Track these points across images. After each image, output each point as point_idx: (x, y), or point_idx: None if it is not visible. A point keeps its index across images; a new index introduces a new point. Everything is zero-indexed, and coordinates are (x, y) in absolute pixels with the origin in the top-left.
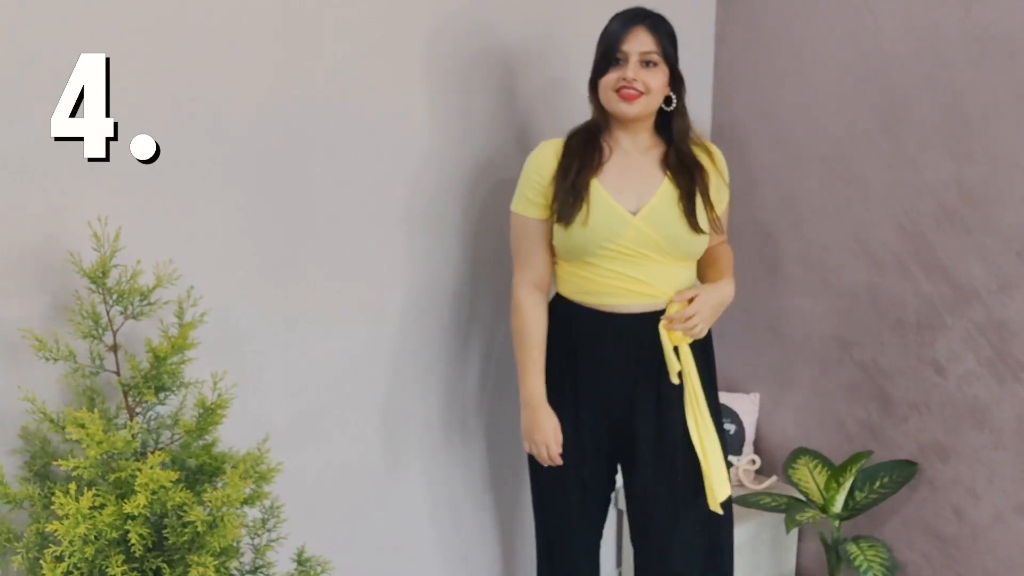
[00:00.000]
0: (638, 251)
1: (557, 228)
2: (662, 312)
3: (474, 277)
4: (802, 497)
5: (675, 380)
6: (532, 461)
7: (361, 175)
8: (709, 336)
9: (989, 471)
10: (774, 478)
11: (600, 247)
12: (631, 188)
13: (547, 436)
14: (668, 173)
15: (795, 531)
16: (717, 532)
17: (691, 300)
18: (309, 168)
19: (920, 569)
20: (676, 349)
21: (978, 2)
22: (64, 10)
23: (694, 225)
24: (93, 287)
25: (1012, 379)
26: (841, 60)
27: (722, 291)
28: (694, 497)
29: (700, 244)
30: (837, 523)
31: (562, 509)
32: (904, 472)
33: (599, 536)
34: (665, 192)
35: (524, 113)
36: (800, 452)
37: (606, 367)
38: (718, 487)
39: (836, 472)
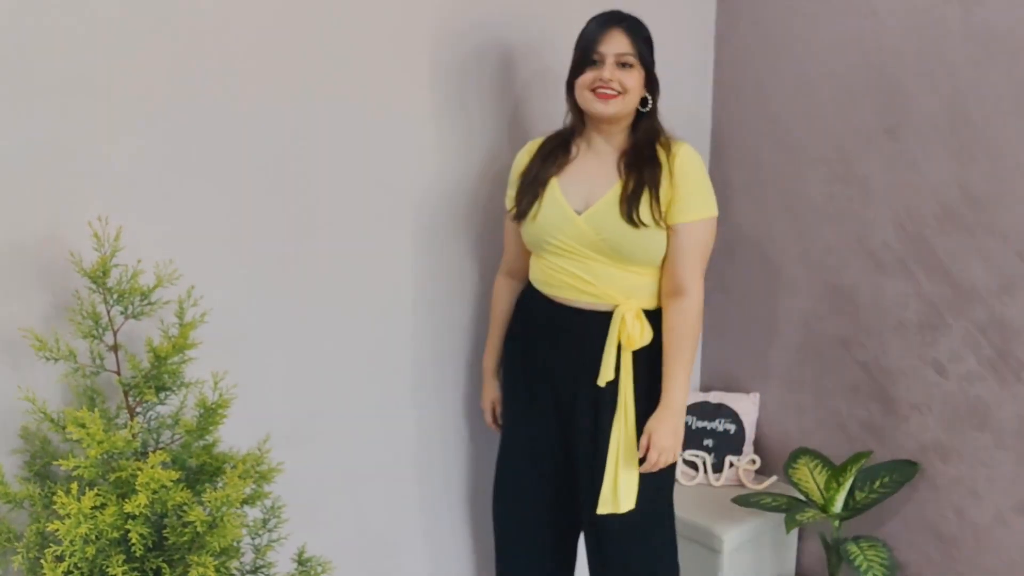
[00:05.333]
0: (579, 249)
1: (520, 222)
2: (607, 314)
3: (476, 276)
4: (802, 497)
5: (601, 383)
6: (498, 463)
7: (363, 175)
8: (657, 345)
9: (990, 471)
10: (774, 478)
11: (546, 242)
12: (585, 189)
13: (484, 403)
14: (622, 175)
15: (795, 531)
16: (646, 543)
17: (647, 447)
18: (310, 167)
19: (920, 569)
20: (619, 353)
21: (979, 2)
22: (64, 10)
23: (630, 219)
24: (93, 287)
25: (1013, 379)
26: (842, 60)
27: (668, 420)
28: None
29: (646, 247)
30: (837, 523)
31: (507, 512)
32: (904, 472)
33: (559, 540)
34: (613, 195)
35: (527, 111)
36: (800, 452)
37: (551, 359)
38: (614, 499)
39: (836, 472)
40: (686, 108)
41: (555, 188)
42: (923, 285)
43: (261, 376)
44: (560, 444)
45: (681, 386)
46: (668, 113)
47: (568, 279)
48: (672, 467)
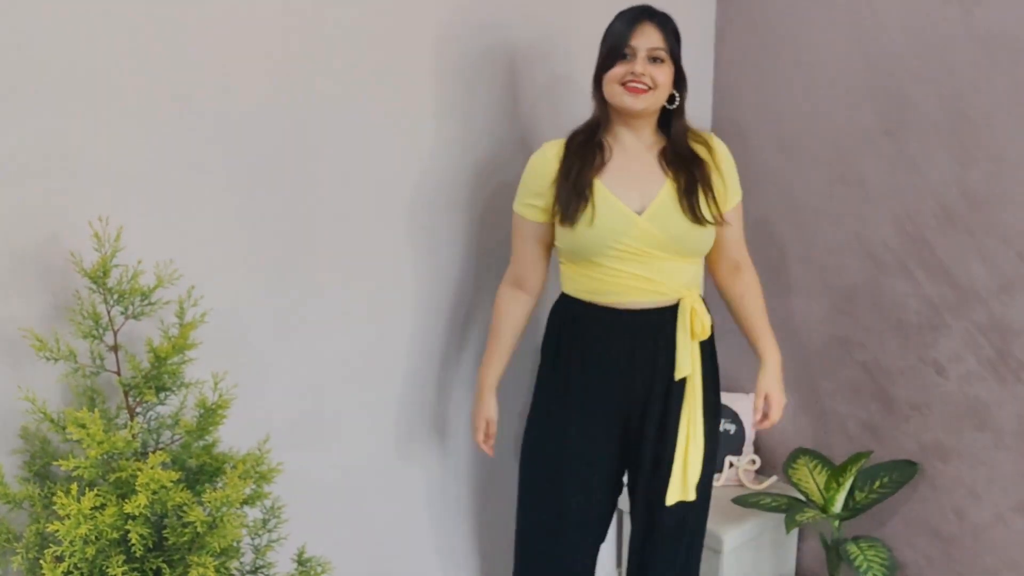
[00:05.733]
0: (645, 250)
1: (561, 229)
2: (672, 307)
3: (477, 278)
4: (802, 497)
5: (679, 376)
6: (525, 466)
7: (363, 175)
8: (712, 337)
9: (990, 471)
10: (774, 478)
11: (607, 247)
12: (634, 188)
13: (478, 421)
14: (669, 171)
15: (795, 531)
16: (692, 538)
17: (765, 409)
18: (311, 168)
19: (920, 569)
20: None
21: (980, 2)
22: (65, 10)
23: (697, 218)
24: (94, 287)
25: (1013, 379)
26: (842, 60)
27: (779, 375)
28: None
29: (706, 239)
30: (837, 523)
31: (556, 516)
32: (904, 472)
33: (596, 545)
34: (668, 191)
35: (528, 112)
36: (800, 452)
37: (621, 365)
38: (684, 488)
39: (836, 472)
40: (686, 108)
41: (603, 190)
42: (923, 285)
43: (261, 376)
44: (618, 450)
45: (775, 343)
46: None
47: (633, 282)
48: (716, 433)
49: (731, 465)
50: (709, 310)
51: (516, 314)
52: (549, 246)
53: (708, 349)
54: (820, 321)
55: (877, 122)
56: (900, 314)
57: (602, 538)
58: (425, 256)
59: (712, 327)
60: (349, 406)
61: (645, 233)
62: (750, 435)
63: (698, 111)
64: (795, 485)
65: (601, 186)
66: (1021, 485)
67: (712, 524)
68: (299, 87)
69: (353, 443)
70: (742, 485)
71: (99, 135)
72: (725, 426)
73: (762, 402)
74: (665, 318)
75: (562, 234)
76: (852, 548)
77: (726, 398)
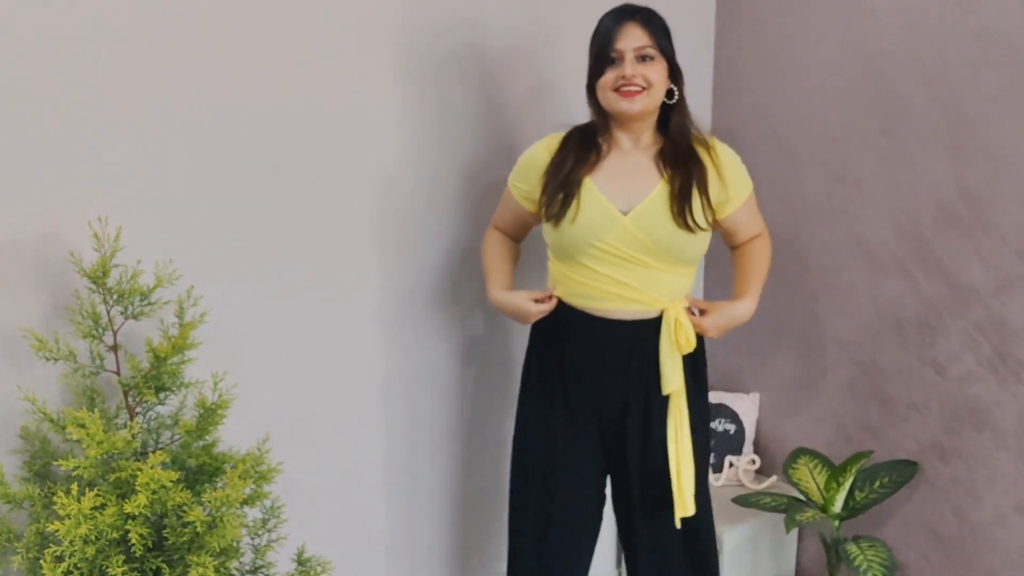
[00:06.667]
0: (627, 253)
1: (546, 225)
2: (654, 320)
3: (471, 279)
4: (802, 497)
5: (667, 392)
6: (514, 465)
7: (362, 175)
8: (701, 344)
9: (989, 471)
10: (774, 478)
11: (589, 245)
12: (625, 188)
13: (526, 307)
14: (665, 173)
15: (795, 531)
16: (703, 539)
17: (703, 312)
18: (309, 168)
19: (920, 569)
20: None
21: (977, 2)
22: (64, 10)
23: (685, 224)
24: (93, 287)
25: (1012, 379)
26: (840, 60)
27: (736, 312)
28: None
29: (694, 247)
30: (837, 523)
31: (547, 515)
32: (904, 472)
33: (590, 548)
34: (659, 193)
35: (511, 116)
36: (800, 452)
37: (597, 373)
38: (684, 504)
39: (836, 472)
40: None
41: (592, 187)
42: (921, 285)
43: (261, 376)
44: (602, 457)
45: (751, 298)
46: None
47: (612, 287)
48: (706, 449)
49: (731, 465)
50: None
51: (504, 243)
52: (527, 226)
53: (692, 360)
54: (819, 321)
55: (875, 122)
56: (899, 314)
57: (593, 538)
58: (427, 256)
59: (700, 341)
60: (349, 405)
61: (627, 233)
62: (750, 435)
63: (697, 111)
64: (795, 485)
65: (591, 184)
66: (1021, 485)
67: None
68: (300, 87)
69: (353, 443)
70: (742, 485)
71: (99, 135)
72: (725, 426)
73: (701, 307)
74: (643, 331)
75: (547, 229)
76: (852, 548)
77: (726, 398)
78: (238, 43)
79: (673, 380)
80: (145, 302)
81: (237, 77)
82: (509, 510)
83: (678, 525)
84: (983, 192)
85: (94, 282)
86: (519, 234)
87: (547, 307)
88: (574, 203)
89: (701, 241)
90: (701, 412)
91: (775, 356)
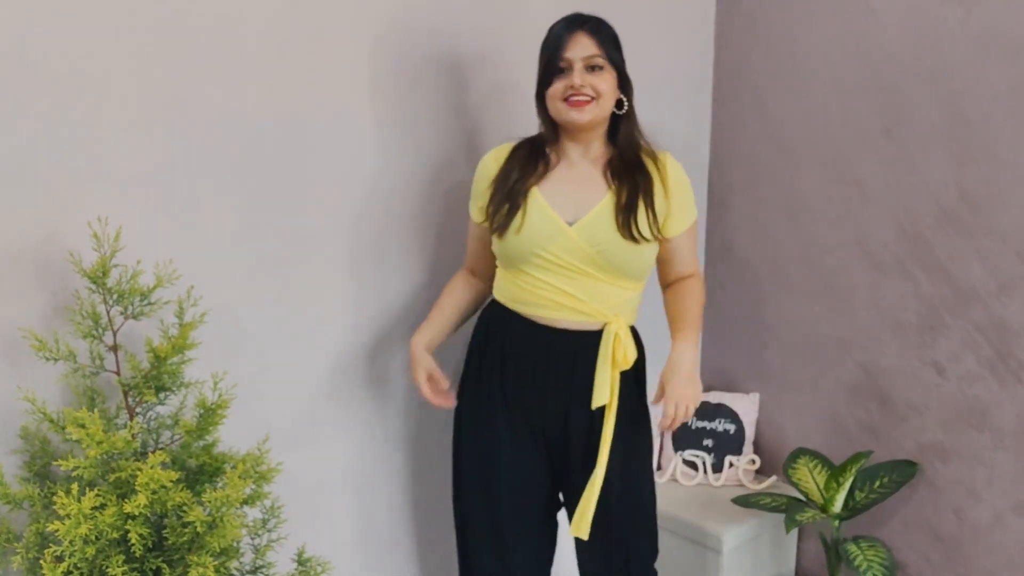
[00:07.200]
0: (572, 264)
1: (492, 237)
2: (597, 332)
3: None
4: (802, 497)
5: (595, 406)
6: (455, 465)
7: (362, 175)
8: (642, 359)
9: (989, 471)
10: (774, 478)
11: (533, 255)
12: (572, 199)
13: (416, 376)
14: (612, 184)
15: (795, 531)
16: (636, 564)
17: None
18: (307, 169)
19: (920, 569)
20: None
21: (978, 3)
22: (64, 11)
23: (630, 235)
24: (93, 287)
25: (1012, 379)
26: (841, 60)
27: (682, 365)
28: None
29: (639, 259)
30: (837, 523)
31: (498, 514)
32: (904, 472)
33: (548, 556)
34: (605, 204)
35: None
36: (800, 452)
37: (537, 383)
38: (581, 525)
39: (836, 472)
40: (686, 109)
41: (538, 197)
42: (922, 285)
43: (261, 376)
44: (546, 464)
45: (690, 340)
46: (668, 115)
47: (555, 296)
48: (649, 449)
49: (731, 465)
50: (640, 342)
51: (461, 291)
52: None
53: (633, 377)
54: (819, 321)
55: (876, 122)
56: (899, 314)
57: (551, 545)
58: (425, 257)
59: (641, 358)
60: (349, 405)
61: (572, 243)
62: (750, 435)
63: (697, 111)
64: (795, 485)
65: (537, 194)
66: (1021, 485)
67: (712, 524)
68: (300, 87)
69: (353, 442)
70: (742, 485)
71: (99, 135)
72: (725, 426)
73: (660, 392)
74: (586, 342)
75: (494, 240)
76: (852, 548)
77: (725, 398)
78: (238, 44)
79: (603, 394)
80: (145, 302)
81: (237, 77)
82: (456, 522)
83: (572, 533)
84: (984, 193)
85: (94, 282)
86: (488, 267)
87: (429, 395)
88: (519, 213)
89: (646, 254)
90: (643, 426)
91: (775, 356)
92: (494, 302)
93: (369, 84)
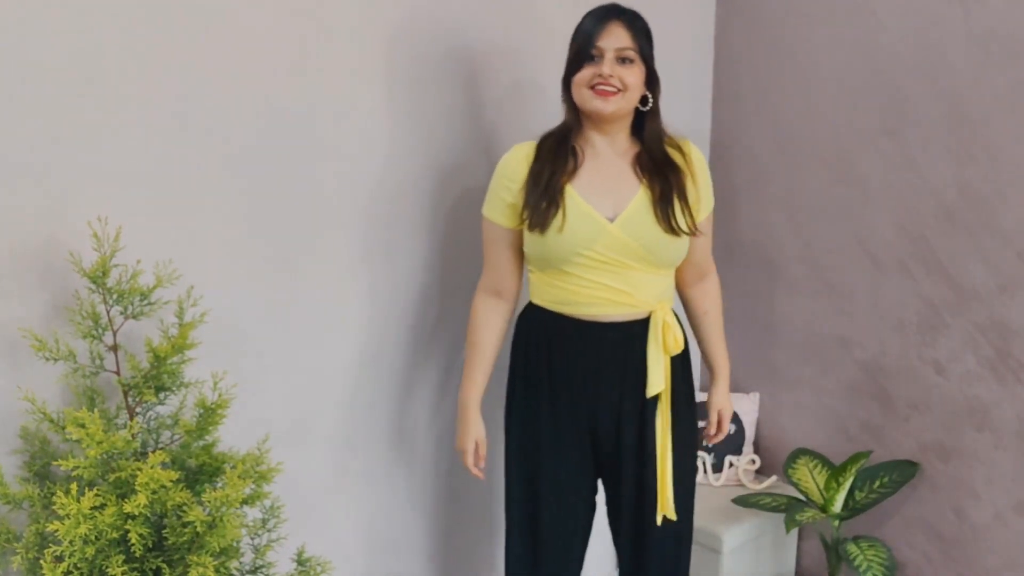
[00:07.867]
0: (616, 259)
1: (530, 236)
2: (642, 321)
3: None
4: (802, 497)
5: (652, 394)
6: (508, 462)
7: (362, 175)
8: (687, 349)
9: (989, 471)
10: (774, 478)
11: (577, 255)
12: (607, 194)
13: (466, 443)
14: (644, 178)
15: (795, 531)
16: (680, 546)
17: (719, 422)
18: (307, 169)
19: (920, 569)
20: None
21: (979, 3)
22: (64, 10)
23: (670, 228)
24: (93, 287)
25: (1013, 379)
26: (842, 60)
27: (725, 384)
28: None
29: (680, 249)
30: (837, 523)
31: (539, 518)
32: (904, 472)
33: (582, 545)
34: (642, 199)
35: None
36: (800, 452)
37: (589, 378)
38: (667, 505)
39: (836, 472)
40: (686, 109)
41: (574, 195)
42: (923, 285)
43: (261, 376)
44: (592, 466)
45: (726, 355)
46: (668, 114)
47: (602, 293)
48: (696, 426)
49: (731, 465)
50: (681, 324)
51: (494, 323)
52: (522, 250)
53: (680, 361)
54: (820, 321)
55: (877, 122)
56: (900, 314)
57: (582, 550)
58: (422, 255)
59: (686, 340)
60: (349, 405)
61: (616, 241)
62: (750, 435)
63: (698, 111)
64: (795, 485)
65: (573, 192)
66: (1021, 485)
67: (712, 524)
68: (300, 87)
69: (353, 443)
70: (742, 485)
71: (99, 135)
72: None
73: (716, 417)
74: (635, 332)
75: (531, 241)
76: (852, 548)
77: None
78: (237, 46)
79: (659, 381)
80: (145, 302)
81: (236, 78)
82: (505, 512)
83: (659, 522)
84: (985, 193)
85: (94, 282)
86: (514, 277)
87: (470, 465)
88: (559, 213)
89: (684, 242)
90: (693, 412)
91: (775, 356)
92: (532, 306)
93: (369, 84)
